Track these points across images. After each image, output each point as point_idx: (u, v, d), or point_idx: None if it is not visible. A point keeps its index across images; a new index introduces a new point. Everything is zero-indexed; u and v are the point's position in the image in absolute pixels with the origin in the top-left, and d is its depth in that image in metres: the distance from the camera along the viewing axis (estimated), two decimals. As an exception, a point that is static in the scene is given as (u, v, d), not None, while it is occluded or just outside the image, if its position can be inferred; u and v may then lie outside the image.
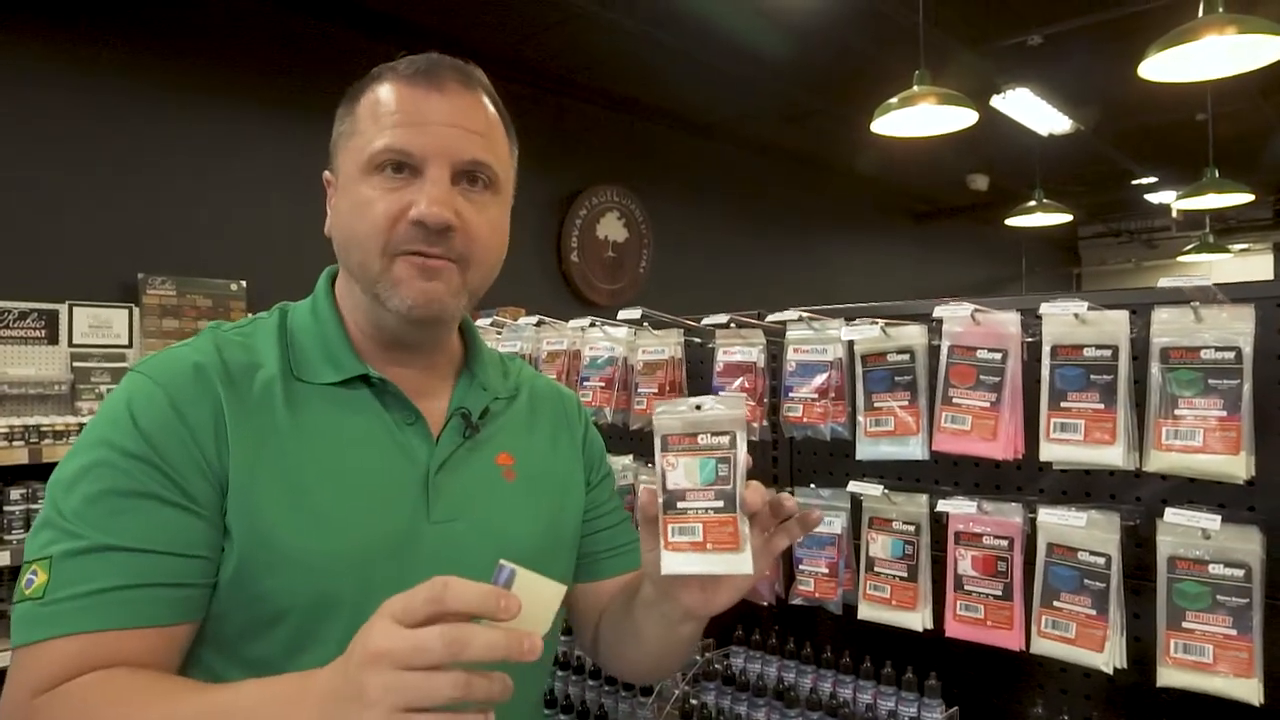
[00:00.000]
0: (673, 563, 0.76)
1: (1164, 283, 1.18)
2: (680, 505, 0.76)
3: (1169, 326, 1.21)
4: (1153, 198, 10.17)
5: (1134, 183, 9.48)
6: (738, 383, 1.71)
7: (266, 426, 0.86)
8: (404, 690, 0.59)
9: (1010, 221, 7.65)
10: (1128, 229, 12.95)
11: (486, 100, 0.93)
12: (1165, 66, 3.47)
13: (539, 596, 0.63)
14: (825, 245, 8.71)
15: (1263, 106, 6.80)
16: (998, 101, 5.94)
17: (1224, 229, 11.46)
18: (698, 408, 0.79)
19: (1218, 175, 5.98)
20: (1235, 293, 1.18)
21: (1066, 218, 7.58)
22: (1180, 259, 10.05)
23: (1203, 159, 6.21)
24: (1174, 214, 10.90)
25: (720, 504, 0.75)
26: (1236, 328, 1.15)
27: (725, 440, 0.76)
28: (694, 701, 1.59)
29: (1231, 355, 1.15)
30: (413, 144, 0.87)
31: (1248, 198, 6.22)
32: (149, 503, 0.80)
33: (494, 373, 1.05)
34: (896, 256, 10.00)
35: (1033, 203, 7.19)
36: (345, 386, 0.92)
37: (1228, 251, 9.96)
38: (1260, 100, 6.64)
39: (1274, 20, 3.22)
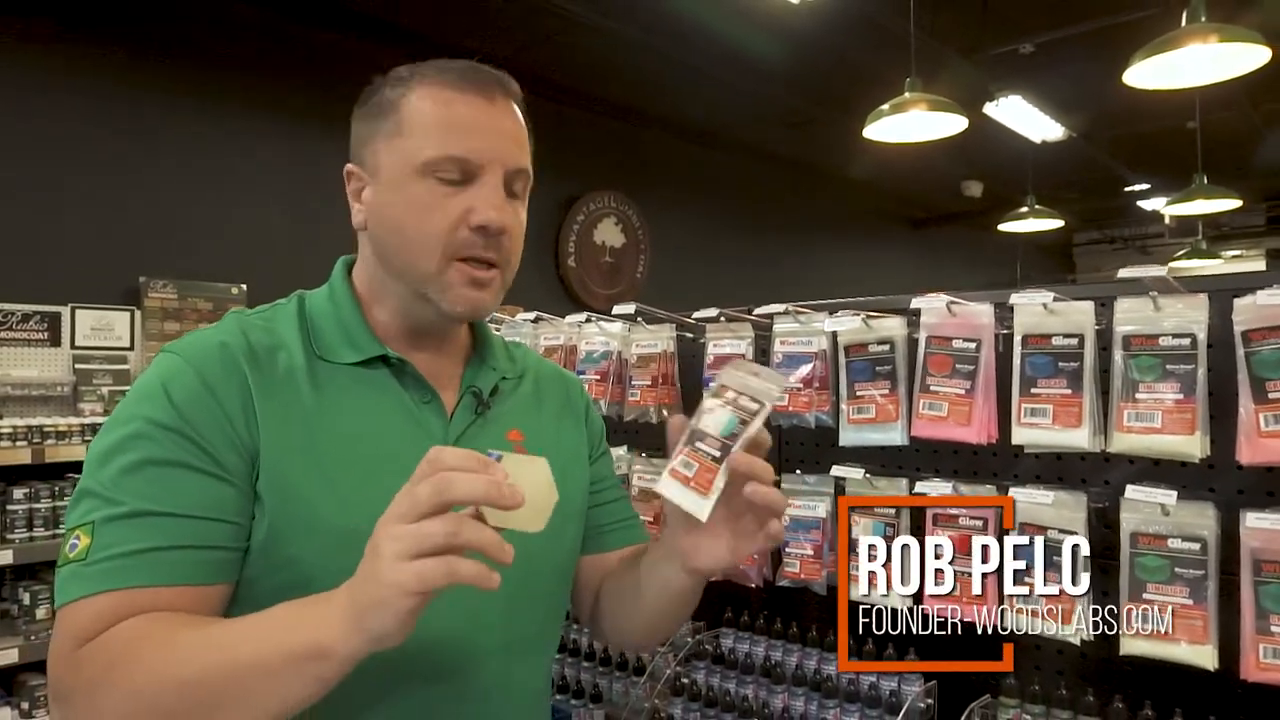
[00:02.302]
0: (663, 485, 0.87)
1: (1124, 273, 1.25)
2: (697, 445, 0.86)
3: (1131, 315, 1.28)
4: (1145, 204, 10.26)
5: (1126, 189, 9.57)
6: (727, 375, 1.77)
7: (292, 403, 0.92)
8: (404, 539, 0.70)
9: (1003, 227, 7.72)
10: (1122, 235, 13.03)
11: (518, 109, 1.00)
12: (1151, 74, 3.55)
13: (529, 475, 0.75)
14: (824, 251, 8.75)
15: (1251, 115, 6.88)
16: (990, 108, 6.01)
17: (1217, 235, 11.55)
18: (755, 374, 0.89)
19: (1206, 182, 6.06)
20: (1191, 284, 1.25)
21: (1058, 223, 7.67)
22: (1173, 265, 10.13)
23: (1193, 165, 6.28)
24: (1167, 220, 11.00)
25: (717, 454, 0.85)
26: (1192, 316, 1.22)
27: (754, 407, 0.86)
28: (685, 680, 1.65)
29: (1187, 342, 1.22)
30: (472, 152, 0.93)
31: (1235, 204, 6.31)
32: (183, 471, 0.85)
33: (501, 356, 1.11)
34: (895, 263, 10.04)
35: (1025, 209, 7.27)
36: (365, 366, 0.98)
37: (1220, 258, 10.04)
38: (1249, 109, 6.73)
39: (1255, 29, 3.30)
